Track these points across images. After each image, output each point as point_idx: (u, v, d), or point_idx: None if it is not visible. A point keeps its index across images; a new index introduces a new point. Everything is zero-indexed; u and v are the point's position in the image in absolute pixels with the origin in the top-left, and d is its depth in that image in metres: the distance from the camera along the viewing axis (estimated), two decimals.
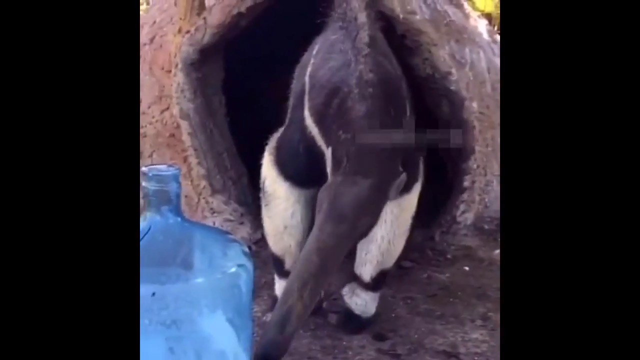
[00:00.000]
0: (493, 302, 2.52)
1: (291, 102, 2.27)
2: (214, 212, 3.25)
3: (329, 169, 1.85)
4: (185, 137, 3.14)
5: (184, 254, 1.48)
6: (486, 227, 3.06)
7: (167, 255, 1.47)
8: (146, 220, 1.50)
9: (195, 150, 3.12)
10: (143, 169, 1.50)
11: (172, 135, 3.31)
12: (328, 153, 1.86)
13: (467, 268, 2.83)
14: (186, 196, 3.29)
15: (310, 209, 2.08)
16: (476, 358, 2.15)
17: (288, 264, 2.26)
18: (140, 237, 1.47)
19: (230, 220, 3.15)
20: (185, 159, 3.28)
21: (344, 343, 2.23)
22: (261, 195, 2.29)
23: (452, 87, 2.90)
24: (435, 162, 2.71)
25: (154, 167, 1.50)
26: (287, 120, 2.26)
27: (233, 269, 1.48)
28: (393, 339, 2.27)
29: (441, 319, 2.41)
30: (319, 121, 1.93)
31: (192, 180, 3.26)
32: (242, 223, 3.15)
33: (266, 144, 2.28)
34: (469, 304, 2.54)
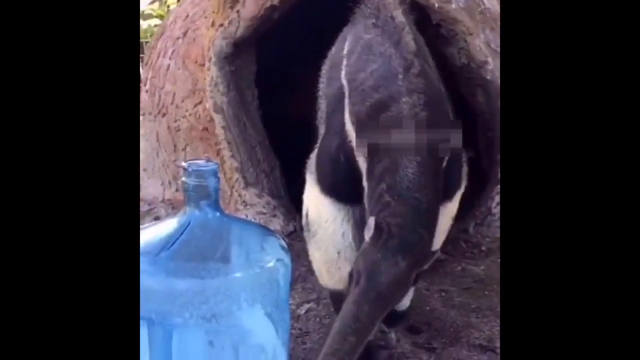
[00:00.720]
0: None
1: (324, 105, 2.14)
2: (246, 205, 3.27)
3: (365, 197, 1.78)
4: (219, 131, 3.16)
5: (223, 248, 1.50)
6: None
7: (206, 249, 1.49)
8: (185, 215, 1.52)
9: (229, 143, 3.14)
10: (183, 164, 1.52)
11: (206, 128, 3.33)
12: (364, 166, 1.78)
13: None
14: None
15: (359, 229, 1.94)
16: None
17: None
18: (180, 232, 1.49)
19: (263, 213, 3.16)
20: (218, 152, 3.30)
21: (379, 336, 2.23)
22: (305, 230, 2.08)
23: (488, 77, 2.86)
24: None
25: (193, 162, 1.52)
26: (323, 128, 2.11)
27: (272, 264, 1.50)
28: (428, 332, 2.26)
29: (476, 312, 2.39)
30: (361, 132, 1.81)
31: (224, 173, 3.28)
32: (274, 216, 3.16)
33: (305, 166, 2.11)
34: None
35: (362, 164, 1.81)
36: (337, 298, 2.07)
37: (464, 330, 2.27)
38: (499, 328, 2.28)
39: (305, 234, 2.08)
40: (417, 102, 1.72)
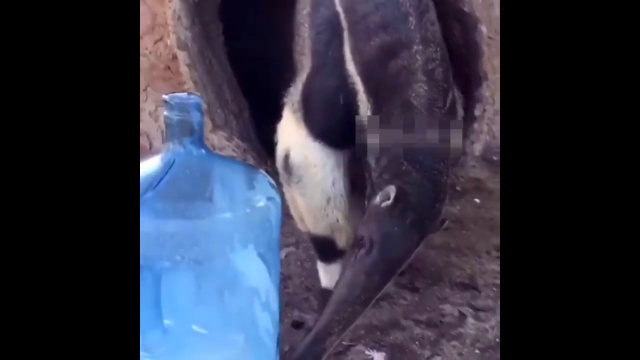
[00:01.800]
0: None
1: (310, 34, 1.90)
2: (214, 149, 3.15)
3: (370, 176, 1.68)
4: (183, 69, 2.98)
5: (211, 187, 1.41)
6: (495, 158, 3.01)
7: (194, 189, 1.39)
8: (169, 152, 1.41)
9: (195, 82, 2.97)
10: (164, 97, 1.40)
11: (168, 67, 3.15)
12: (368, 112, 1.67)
13: (477, 200, 2.80)
14: None
15: (349, 175, 1.86)
16: (494, 289, 2.13)
17: (341, 243, 1.93)
18: (165, 171, 1.38)
19: (233, 157, 3.05)
20: None
21: None
22: (284, 174, 1.92)
23: (466, 8, 2.77)
24: None
25: (175, 95, 1.40)
26: (309, 61, 1.87)
27: (263, 202, 1.42)
28: (410, 273, 2.23)
29: (456, 252, 2.38)
30: (368, 78, 1.69)
31: None
32: (245, 159, 3.05)
33: (281, 103, 1.94)
34: (483, 236, 2.51)
35: (367, 110, 1.70)
36: (320, 243, 1.99)
37: (445, 269, 2.26)
38: (479, 266, 2.29)
39: (284, 177, 1.94)
40: (432, 56, 1.62)
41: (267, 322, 1.49)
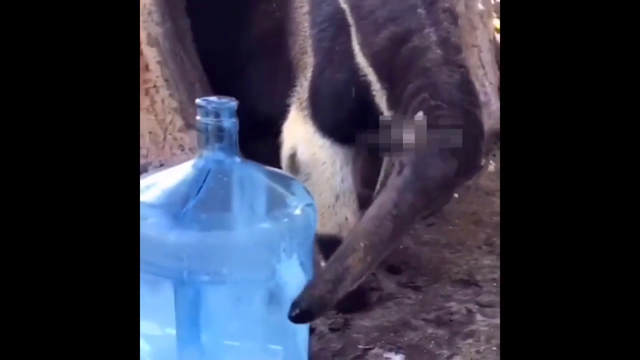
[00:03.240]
0: (491, 227, 2.54)
1: (314, 32, 1.88)
2: (184, 149, 3.04)
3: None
4: (153, 67, 2.85)
5: (252, 196, 1.34)
6: None
7: (232, 198, 1.33)
8: (202, 159, 1.34)
9: (166, 80, 2.85)
10: (198, 101, 1.33)
11: None
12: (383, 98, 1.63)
13: (456, 195, 2.83)
14: (150, 132, 3.05)
15: (356, 169, 1.83)
16: (495, 285, 2.17)
17: None
18: (202, 180, 1.31)
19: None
20: (147, 92, 3.01)
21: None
22: (291, 173, 1.87)
23: None
24: None
25: (210, 99, 1.33)
26: (312, 59, 1.87)
27: (302, 210, 1.37)
28: (407, 271, 2.24)
29: (448, 248, 2.39)
30: (380, 67, 1.65)
31: (156, 115, 3.01)
32: None
33: (289, 103, 1.92)
34: (469, 231, 2.54)
35: (381, 97, 1.67)
36: (327, 243, 1.92)
37: (442, 266, 2.27)
38: (474, 262, 2.32)
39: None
40: (445, 33, 1.59)
41: (304, 331, 1.45)
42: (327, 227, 1.91)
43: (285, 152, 1.93)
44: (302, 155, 1.87)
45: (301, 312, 1.33)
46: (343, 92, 1.77)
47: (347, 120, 1.78)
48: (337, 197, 1.87)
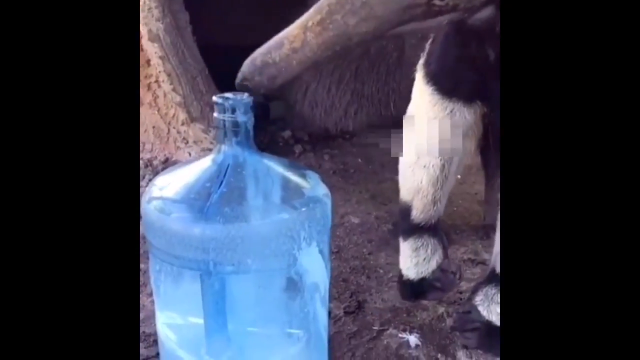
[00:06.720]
0: None
1: None
2: (187, 143, 3.08)
3: None
4: (155, 61, 2.89)
5: (270, 187, 1.39)
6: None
7: (251, 190, 1.37)
8: (221, 154, 1.38)
9: (169, 75, 2.89)
10: (215, 98, 1.36)
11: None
12: None
13: (458, 176, 2.88)
14: (154, 127, 3.09)
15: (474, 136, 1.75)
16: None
17: (415, 212, 1.80)
18: (223, 174, 1.35)
19: (211, 150, 2.99)
20: (148, 87, 3.05)
21: (372, 262, 2.23)
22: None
23: None
24: None
25: (226, 95, 1.37)
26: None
27: (320, 199, 1.41)
28: None
29: (455, 229, 2.46)
30: None
31: (159, 109, 3.05)
32: None
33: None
34: (473, 211, 2.60)
35: None
36: (402, 213, 1.87)
37: (449, 247, 2.32)
38: (480, 242, 2.38)
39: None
40: None
41: (324, 317, 1.50)
42: (404, 193, 1.87)
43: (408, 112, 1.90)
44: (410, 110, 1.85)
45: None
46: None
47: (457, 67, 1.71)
48: (418, 156, 1.81)
